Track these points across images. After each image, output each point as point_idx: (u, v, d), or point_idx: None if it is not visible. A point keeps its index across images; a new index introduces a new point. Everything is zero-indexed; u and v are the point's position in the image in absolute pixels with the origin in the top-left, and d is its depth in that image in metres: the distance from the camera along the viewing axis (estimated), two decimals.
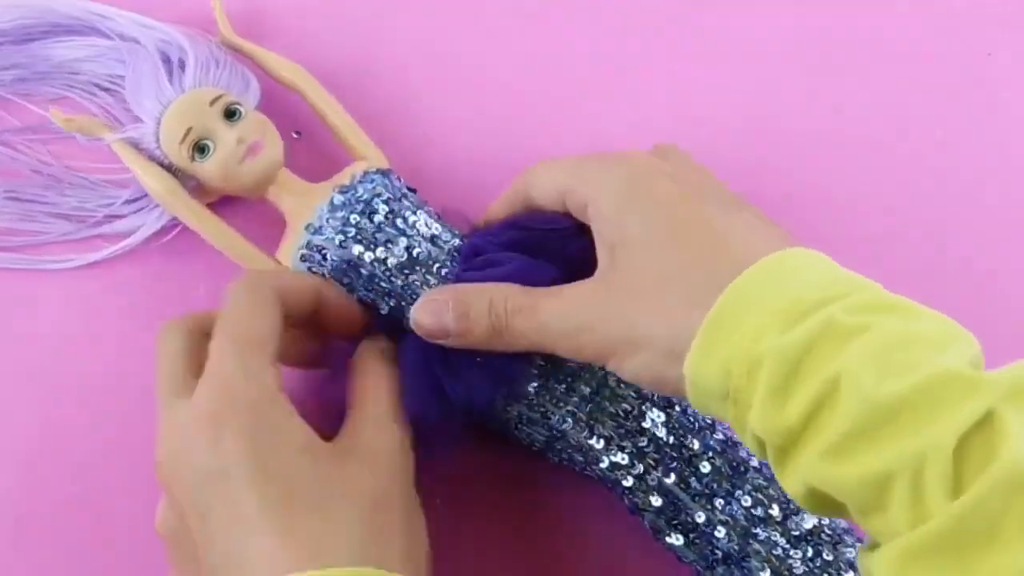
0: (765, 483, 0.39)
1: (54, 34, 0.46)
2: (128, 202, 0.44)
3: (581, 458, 0.39)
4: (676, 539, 0.38)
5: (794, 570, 0.37)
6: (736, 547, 0.38)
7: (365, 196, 0.39)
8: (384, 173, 0.41)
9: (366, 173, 0.41)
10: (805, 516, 0.38)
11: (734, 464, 0.39)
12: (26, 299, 0.44)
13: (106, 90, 0.45)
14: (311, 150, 0.44)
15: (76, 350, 0.43)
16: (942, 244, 0.47)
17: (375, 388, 0.36)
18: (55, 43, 0.46)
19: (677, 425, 0.39)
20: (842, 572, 0.38)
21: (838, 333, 0.28)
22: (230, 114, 0.41)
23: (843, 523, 0.39)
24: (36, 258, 0.44)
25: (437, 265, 0.38)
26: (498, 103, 0.49)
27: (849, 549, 0.38)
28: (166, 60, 0.43)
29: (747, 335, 0.29)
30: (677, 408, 0.39)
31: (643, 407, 0.39)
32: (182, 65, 0.43)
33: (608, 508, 0.41)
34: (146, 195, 0.43)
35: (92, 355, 0.43)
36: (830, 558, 0.38)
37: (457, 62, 0.49)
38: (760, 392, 0.28)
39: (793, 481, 0.29)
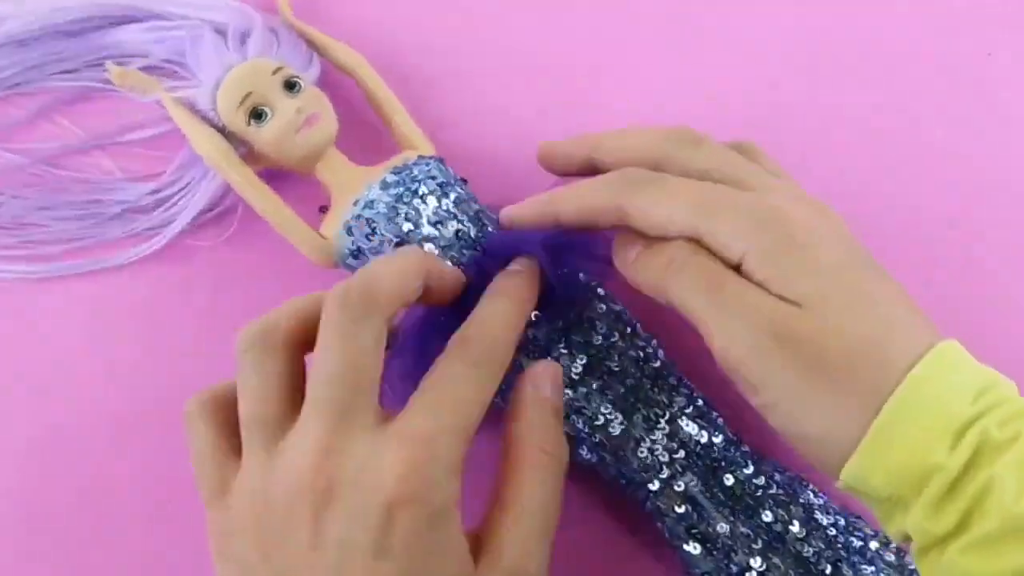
0: (787, 499, 0.39)
1: (110, 23, 0.47)
2: (155, 191, 0.45)
3: (610, 456, 0.39)
4: (694, 548, 0.39)
5: None
6: (754, 561, 0.38)
7: (420, 177, 0.41)
8: (438, 160, 0.42)
9: (420, 157, 0.42)
10: (826, 532, 0.39)
11: (758, 479, 0.40)
12: (25, 305, 0.45)
13: (170, 73, 0.46)
14: (359, 137, 0.45)
15: (75, 355, 0.44)
16: (943, 242, 0.48)
17: (530, 490, 0.33)
18: (115, 31, 0.47)
19: (708, 434, 0.40)
20: None
21: (991, 447, 0.30)
22: (290, 86, 0.42)
23: (858, 543, 0.40)
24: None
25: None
26: (538, 92, 0.50)
27: (866, 566, 0.39)
28: (229, 34, 0.44)
29: (914, 450, 0.30)
30: (708, 415, 0.40)
31: (675, 413, 0.40)
32: (244, 39, 0.44)
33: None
34: (174, 184, 0.45)
35: (91, 360, 0.44)
36: (849, 575, 0.39)
37: (503, 53, 0.51)
38: (921, 502, 0.30)
39: (929, 567, 0.31)
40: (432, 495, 0.29)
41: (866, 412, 0.31)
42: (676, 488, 0.39)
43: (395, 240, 0.40)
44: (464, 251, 0.39)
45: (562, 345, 0.39)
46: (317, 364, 0.31)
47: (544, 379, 0.35)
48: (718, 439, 0.40)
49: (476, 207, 0.41)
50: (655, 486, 0.39)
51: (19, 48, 0.47)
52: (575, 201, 0.36)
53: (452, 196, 0.41)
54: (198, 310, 0.45)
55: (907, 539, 0.32)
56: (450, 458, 0.29)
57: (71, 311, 0.45)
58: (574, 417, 0.39)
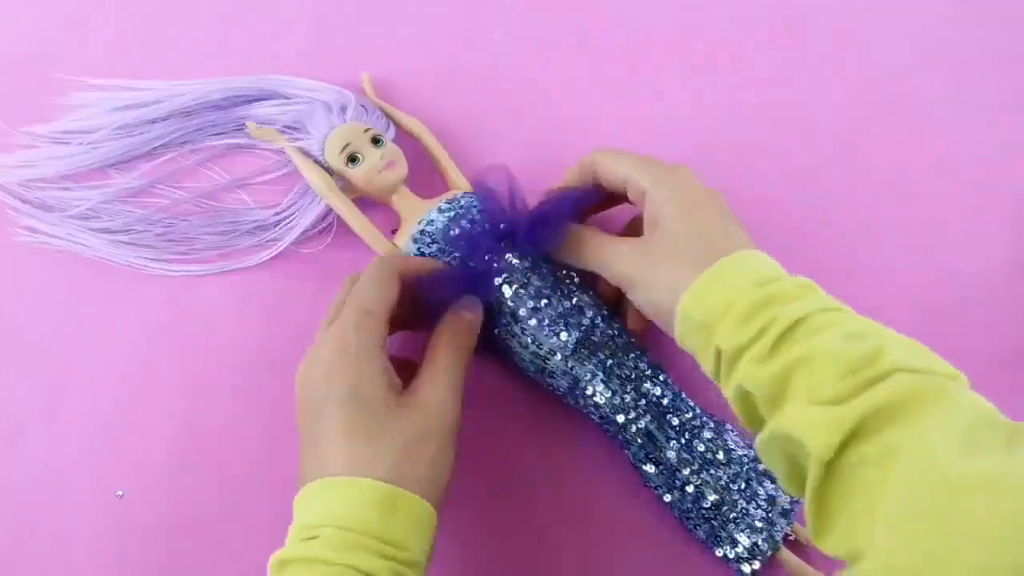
0: (714, 436, 0.54)
1: (248, 100, 0.63)
2: (277, 214, 0.60)
3: (592, 404, 0.53)
4: (649, 468, 0.53)
5: (733, 495, 0.52)
6: (692, 477, 0.53)
7: (464, 204, 0.56)
8: (472, 197, 0.57)
9: (464, 193, 0.57)
10: (741, 459, 0.53)
11: (694, 422, 0.54)
12: (191, 293, 0.60)
13: (290, 132, 0.61)
14: (421, 178, 0.60)
15: (220, 325, 0.59)
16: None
17: (444, 355, 0.49)
18: (253, 106, 0.63)
19: (660, 390, 0.54)
20: (759, 494, 0.53)
21: (785, 296, 0.43)
22: (375, 141, 0.58)
23: (763, 466, 0.54)
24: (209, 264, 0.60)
25: (508, 254, 0.54)
26: (549, 142, 0.65)
27: (768, 482, 0.53)
28: (333, 106, 0.60)
29: (728, 289, 0.44)
30: (660, 377, 0.54)
31: (639, 375, 0.54)
32: (343, 109, 0.59)
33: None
34: (290, 209, 0.60)
35: (231, 324, 0.59)
36: (758, 491, 0.53)
37: (537, 115, 0.66)
38: (729, 319, 0.43)
39: (731, 383, 0.43)
40: (347, 349, 0.46)
41: (699, 273, 0.45)
42: (638, 426, 0.53)
43: (447, 246, 0.54)
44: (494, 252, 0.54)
45: (560, 325, 0.53)
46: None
47: (466, 306, 0.52)
48: (668, 394, 0.54)
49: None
50: (621, 420, 0.53)
51: (186, 117, 0.62)
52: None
53: (487, 219, 0.55)
54: (307, 295, 0.59)
55: (716, 360, 0.44)
56: (357, 333, 0.47)
57: (221, 297, 0.59)
58: (567, 375, 0.53)
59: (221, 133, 0.63)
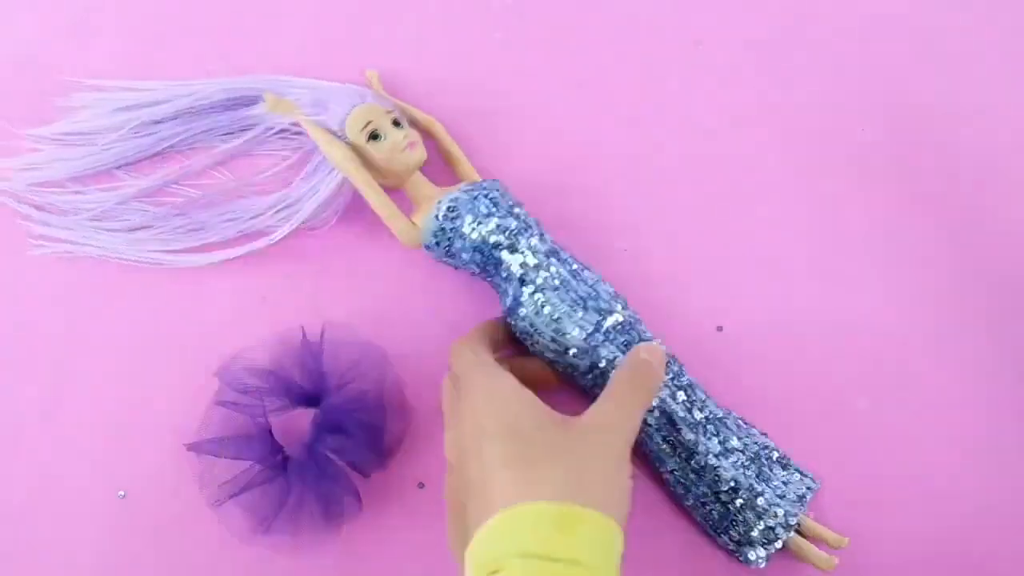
0: (729, 423, 0.55)
1: (254, 100, 0.62)
2: (277, 211, 0.60)
3: None
4: (664, 447, 0.53)
5: (748, 477, 0.53)
6: (711, 459, 0.53)
7: (485, 187, 0.56)
8: (494, 181, 0.58)
9: (483, 180, 0.58)
10: (754, 446, 0.55)
11: (717, 411, 0.55)
12: (198, 280, 0.59)
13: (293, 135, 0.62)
14: (434, 176, 0.60)
15: (229, 307, 0.59)
16: None
17: (626, 391, 0.48)
18: (260, 104, 0.62)
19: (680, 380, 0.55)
20: (772, 479, 0.54)
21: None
22: (396, 123, 0.58)
23: (775, 454, 0.55)
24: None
25: (523, 238, 0.55)
26: (550, 141, 0.64)
27: (778, 469, 0.54)
28: (352, 92, 0.59)
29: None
30: (675, 365, 0.55)
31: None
32: (363, 97, 0.59)
33: None
34: (288, 200, 0.60)
35: (242, 301, 0.59)
36: (770, 472, 0.54)
37: (537, 115, 0.65)
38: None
39: None
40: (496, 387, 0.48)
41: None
42: (656, 407, 0.53)
43: (471, 222, 0.54)
44: (507, 233, 0.54)
45: (579, 307, 0.53)
46: None
47: (651, 351, 0.51)
48: (685, 380, 0.55)
49: (519, 209, 0.56)
50: None
51: (192, 118, 0.62)
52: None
53: (506, 203, 0.56)
54: (311, 289, 0.59)
55: None
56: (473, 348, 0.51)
57: (220, 293, 0.59)
58: (590, 363, 0.53)
59: (229, 133, 0.62)
